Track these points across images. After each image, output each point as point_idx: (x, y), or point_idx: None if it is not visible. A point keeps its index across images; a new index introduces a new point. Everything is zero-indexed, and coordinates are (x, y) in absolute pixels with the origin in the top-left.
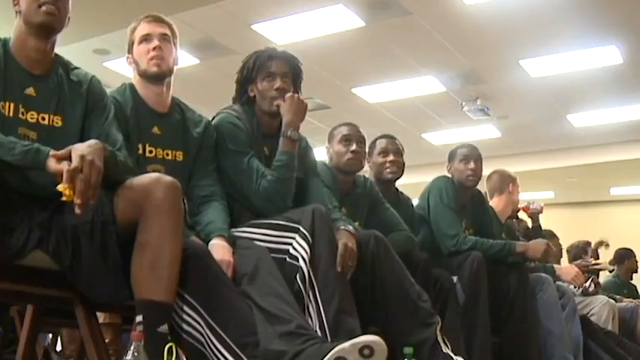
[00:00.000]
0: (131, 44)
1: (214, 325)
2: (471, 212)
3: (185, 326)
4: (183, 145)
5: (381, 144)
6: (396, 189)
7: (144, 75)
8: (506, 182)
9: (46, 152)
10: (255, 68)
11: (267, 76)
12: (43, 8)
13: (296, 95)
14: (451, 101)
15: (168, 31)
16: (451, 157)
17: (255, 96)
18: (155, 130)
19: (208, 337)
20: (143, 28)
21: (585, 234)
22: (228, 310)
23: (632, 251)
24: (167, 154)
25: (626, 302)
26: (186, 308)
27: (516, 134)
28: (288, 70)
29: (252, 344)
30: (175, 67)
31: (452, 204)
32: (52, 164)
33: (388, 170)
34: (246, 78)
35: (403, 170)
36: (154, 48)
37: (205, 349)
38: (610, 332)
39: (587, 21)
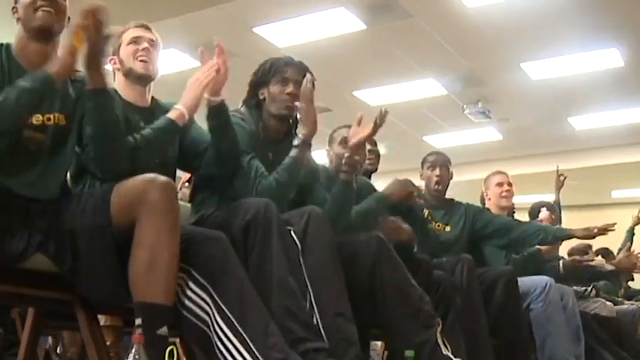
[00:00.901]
0: (118, 47)
1: (222, 305)
2: (449, 213)
3: (190, 304)
4: None
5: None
6: None
7: (129, 74)
8: (488, 180)
9: (46, 72)
10: (270, 71)
11: (281, 81)
12: (39, 12)
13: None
14: (452, 104)
15: (155, 40)
16: (422, 164)
17: (264, 99)
18: (141, 124)
19: (214, 317)
20: (133, 32)
21: None
22: (239, 296)
23: (608, 249)
24: None
25: (627, 305)
26: (193, 286)
27: (517, 137)
28: (302, 79)
29: (262, 332)
30: (157, 77)
31: None
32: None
33: (369, 163)
34: (260, 80)
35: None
36: (143, 49)
37: (210, 329)
38: (609, 318)
39: (588, 24)
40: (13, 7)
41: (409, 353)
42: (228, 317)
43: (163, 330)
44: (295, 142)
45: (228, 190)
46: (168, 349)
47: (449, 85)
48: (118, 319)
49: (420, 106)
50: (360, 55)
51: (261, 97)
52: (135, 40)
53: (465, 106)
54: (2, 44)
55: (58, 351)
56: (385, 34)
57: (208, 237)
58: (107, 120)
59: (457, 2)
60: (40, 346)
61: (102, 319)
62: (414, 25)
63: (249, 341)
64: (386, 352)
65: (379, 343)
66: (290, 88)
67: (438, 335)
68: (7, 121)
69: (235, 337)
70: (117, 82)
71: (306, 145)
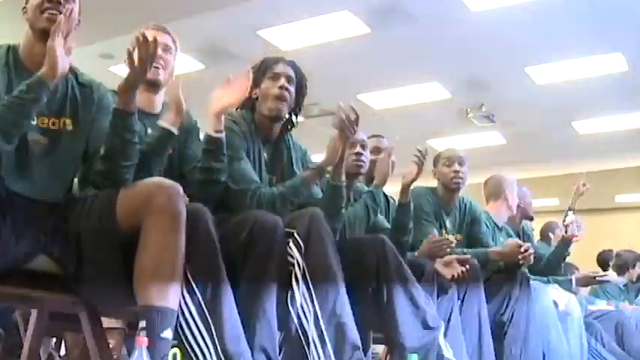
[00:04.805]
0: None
1: (194, 286)
2: (458, 217)
3: None
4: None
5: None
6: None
7: None
8: (502, 187)
9: (39, 77)
10: (261, 69)
11: (272, 77)
12: (45, 14)
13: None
14: (456, 108)
15: (171, 44)
16: (435, 161)
17: (257, 98)
18: (148, 132)
19: (183, 295)
20: (149, 34)
21: (590, 241)
22: (208, 271)
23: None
24: None
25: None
26: None
27: (521, 141)
28: (293, 76)
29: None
30: (171, 79)
31: (420, 213)
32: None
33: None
34: (252, 80)
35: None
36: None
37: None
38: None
39: (592, 28)
40: (24, 8)
41: (413, 358)
42: (198, 299)
43: (167, 333)
44: (311, 164)
45: (223, 198)
46: (172, 352)
47: (453, 89)
48: (122, 321)
49: (424, 110)
50: (365, 58)
51: (254, 96)
52: None
53: (469, 110)
54: (9, 46)
55: (61, 353)
56: (389, 38)
57: (191, 213)
58: (127, 141)
59: (461, 6)
60: (43, 347)
61: (105, 322)
62: (418, 29)
63: (212, 328)
64: (389, 357)
65: (382, 347)
66: (281, 82)
67: (441, 338)
68: (9, 126)
69: (202, 322)
70: None
71: (320, 171)
